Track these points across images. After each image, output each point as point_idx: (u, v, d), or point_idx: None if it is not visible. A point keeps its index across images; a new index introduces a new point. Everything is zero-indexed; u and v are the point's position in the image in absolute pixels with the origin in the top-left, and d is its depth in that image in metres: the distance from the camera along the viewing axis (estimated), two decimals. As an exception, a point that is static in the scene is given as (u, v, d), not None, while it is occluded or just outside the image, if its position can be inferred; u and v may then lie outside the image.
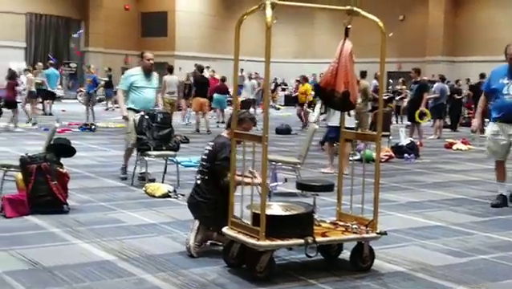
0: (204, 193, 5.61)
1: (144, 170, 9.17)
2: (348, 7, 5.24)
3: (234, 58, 5.26)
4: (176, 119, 17.59)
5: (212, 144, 5.69)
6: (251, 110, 19.90)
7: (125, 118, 9.07)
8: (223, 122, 21.56)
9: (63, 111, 24.27)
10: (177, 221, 6.88)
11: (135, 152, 9.20)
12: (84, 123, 17.95)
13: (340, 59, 5.17)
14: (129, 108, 9.20)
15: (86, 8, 37.01)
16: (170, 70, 18.51)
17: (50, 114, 22.34)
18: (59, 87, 27.11)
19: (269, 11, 4.70)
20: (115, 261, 5.37)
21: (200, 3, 38.51)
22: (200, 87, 18.53)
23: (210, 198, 5.53)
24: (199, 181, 5.71)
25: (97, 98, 21.56)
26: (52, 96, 23.40)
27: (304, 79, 21.47)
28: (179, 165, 9.47)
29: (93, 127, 17.48)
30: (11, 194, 7.04)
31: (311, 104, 20.69)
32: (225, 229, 5.16)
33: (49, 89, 22.91)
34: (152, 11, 38.09)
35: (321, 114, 12.74)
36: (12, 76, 17.53)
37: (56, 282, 4.75)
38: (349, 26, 5.30)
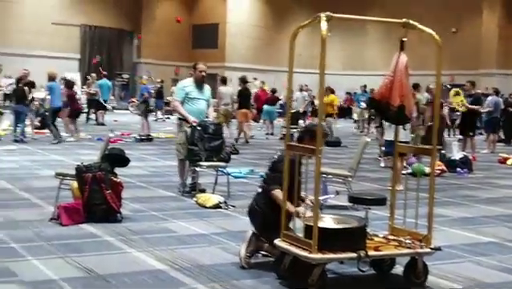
0: (261, 202, 5.63)
1: (194, 181, 9.24)
2: (404, 20, 5.21)
3: (289, 70, 5.27)
4: (231, 130, 17.68)
5: (279, 154, 5.68)
6: (300, 122, 19.84)
7: (193, 123, 8.95)
8: (272, 134, 21.60)
9: (115, 121, 24.68)
10: (228, 231, 6.92)
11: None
12: (140, 134, 18.07)
13: (396, 71, 5.14)
14: (182, 119, 9.27)
15: (139, 20, 37.67)
16: (224, 81, 18.60)
17: (103, 124, 22.74)
18: (111, 97, 27.62)
19: (324, 24, 4.71)
20: (167, 270, 5.43)
21: (250, 15, 38.76)
22: (244, 98, 18.59)
23: (266, 208, 5.53)
24: (260, 190, 5.76)
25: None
26: (103, 106, 23.82)
27: (329, 91, 21.16)
28: (229, 176, 9.51)
29: (149, 137, 17.70)
30: (67, 203, 7.18)
31: (370, 117, 20.48)
32: (277, 242, 5.16)
33: (101, 100, 23.34)
34: (204, 23, 38.50)
35: (376, 127, 12.65)
36: (71, 86, 18.06)
37: (111, 290, 4.84)
38: (405, 39, 5.26)
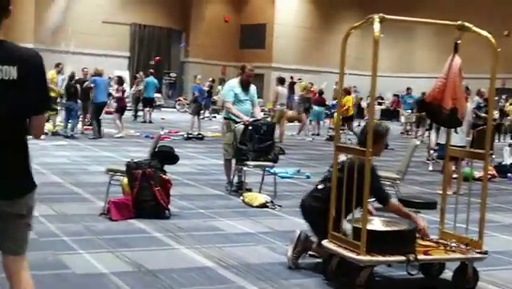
0: (321, 200, 5.45)
1: (241, 180, 9.29)
2: (459, 22, 5.14)
3: (340, 71, 5.27)
4: (281, 130, 17.63)
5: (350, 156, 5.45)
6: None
7: (246, 122, 9.02)
8: (318, 134, 21.56)
9: (163, 119, 24.95)
10: (275, 231, 6.94)
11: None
12: (188, 132, 18.24)
13: (449, 74, 5.08)
14: (228, 119, 9.33)
15: (188, 19, 38.00)
16: (281, 81, 18.56)
17: (150, 122, 23.02)
18: (158, 95, 27.88)
19: (377, 26, 4.69)
20: (215, 268, 5.48)
21: (298, 16, 38.69)
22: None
23: (326, 207, 5.32)
24: (320, 186, 5.58)
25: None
26: (151, 103, 24.07)
27: (345, 92, 20.90)
28: (276, 176, 9.53)
29: (199, 136, 17.92)
30: (117, 198, 7.31)
31: (420, 120, 20.15)
32: (325, 242, 5.16)
33: (146, 96, 23.62)
34: (252, 23, 38.61)
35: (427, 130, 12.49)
36: (122, 83, 18.45)
37: (159, 286, 4.91)
38: (459, 42, 5.20)
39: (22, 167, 3.16)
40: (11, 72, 2.98)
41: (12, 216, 3.15)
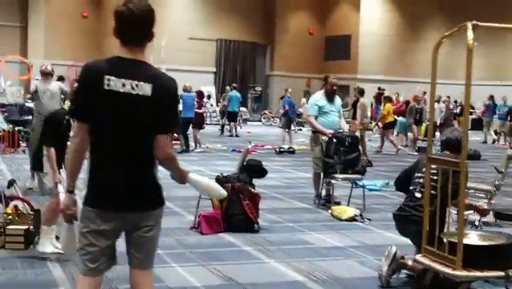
0: (421, 209, 5.26)
1: (329, 193, 9.22)
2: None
3: (431, 81, 5.15)
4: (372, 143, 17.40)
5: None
6: (437, 134, 19.23)
7: (329, 134, 8.98)
8: (406, 146, 21.11)
9: (249, 133, 25.17)
10: (365, 245, 6.84)
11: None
12: (280, 146, 18.09)
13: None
14: (316, 132, 9.29)
15: (272, 33, 38.26)
16: (362, 92, 18.37)
17: (237, 136, 23.27)
18: (243, 109, 28.19)
19: (470, 33, 4.56)
20: (305, 282, 5.45)
21: (383, 25, 38.20)
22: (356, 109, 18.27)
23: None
24: (418, 195, 5.37)
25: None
26: (235, 117, 24.31)
27: (388, 100, 20.22)
28: (364, 189, 9.41)
29: (291, 150, 17.73)
30: (207, 212, 7.41)
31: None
32: (418, 257, 5.03)
33: (230, 110, 23.86)
34: (336, 34, 38.45)
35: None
36: (202, 96, 18.75)
37: (251, 299, 4.93)
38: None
39: (153, 181, 3.34)
40: (146, 89, 3.22)
41: (142, 229, 3.33)
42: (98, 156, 3.29)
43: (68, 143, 5.58)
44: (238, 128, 24.38)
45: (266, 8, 37.90)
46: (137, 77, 3.22)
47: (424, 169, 5.24)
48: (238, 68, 37.23)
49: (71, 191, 3.40)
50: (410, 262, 5.38)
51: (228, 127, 24.43)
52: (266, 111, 34.16)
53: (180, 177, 3.53)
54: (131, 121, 3.23)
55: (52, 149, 6.02)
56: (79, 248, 3.37)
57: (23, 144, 15.38)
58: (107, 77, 3.20)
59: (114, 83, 3.20)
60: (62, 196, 5.08)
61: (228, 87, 26.76)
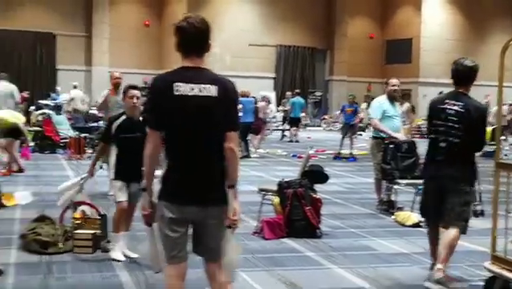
0: None
1: (392, 198, 9.10)
2: None
3: (498, 84, 5.03)
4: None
5: None
6: (502, 137, 18.73)
7: (397, 138, 8.83)
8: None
9: (309, 138, 25.11)
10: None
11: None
12: (337, 152, 17.70)
13: None
14: (378, 138, 9.18)
15: (331, 38, 38.08)
16: (405, 97, 18.07)
17: (297, 141, 23.22)
18: (303, 114, 28.06)
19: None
20: (370, 288, 5.39)
21: (445, 28, 37.50)
22: None
23: None
24: None
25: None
26: (297, 123, 24.25)
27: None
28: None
29: (351, 157, 17.18)
30: (269, 217, 7.42)
31: None
32: (486, 264, 4.91)
33: (292, 116, 23.79)
34: (397, 38, 37.98)
35: None
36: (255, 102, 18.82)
37: (315, 305, 4.90)
38: None
39: (220, 178, 3.63)
40: (212, 90, 3.56)
41: (210, 224, 3.63)
42: (171, 155, 3.64)
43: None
44: (299, 133, 24.30)
45: (326, 13, 37.77)
46: (203, 81, 3.57)
47: None
48: (298, 74, 37.19)
49: (146, 191, 3.73)
50: None
51: (288, 133, 24.41)
52: (326, 116, 34.00)
53: (231, 187, 3.67)
54: (200, 121, 3.55)
55: (102, 144, 6.24)
56: (160, 239, 3.70)
57: (89, 151, 15.77)
58: (175, 84, 3.55)
59: (183, 89, 3.54)
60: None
61: (289, 93, 26.74)
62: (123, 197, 6.09)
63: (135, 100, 6.16)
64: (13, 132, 12.01)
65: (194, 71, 3.60)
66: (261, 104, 19.97)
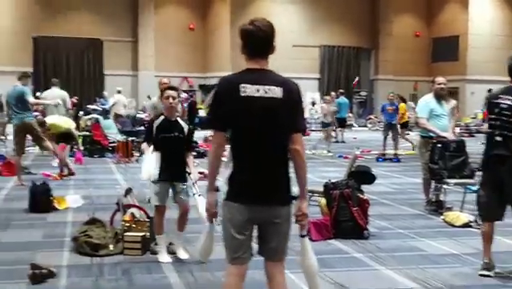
0: None
1: (440, 198, 8.98)
2: None
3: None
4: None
5: None
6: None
7: (445, 138, 8.72)
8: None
9: (355, 138, 24.95)
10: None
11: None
12: (381, 153, 17.40)
13: None
14: (425, 137, 9.07)
15: (376, 37, 37.80)
16: (449, 94, 17.66)
17: (343, 142, 23.11)
18: (350, 114, 28.01)
19: None
20: (419, 290, 5.34)
21: (494, 24, 36.82)
22: None
23: None
24: None
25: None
26: (343, 123, 24.12)
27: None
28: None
29: (395, 158, 16.73)
30: (316, 218, 7.41)
31: None
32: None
33: (338, 116, 23.63)
34: (444, 36, 37.45)
35: None
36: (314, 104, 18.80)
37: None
38: None
39: (286, 178, 3.71)
40: (277, 92, 3.64)
41: (276, 223, 3.69)
42: (237, 155, 3.69)
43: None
44: (344, 133, 24.16)
45: (370, 13, 37.52)
46: (268, 82, 3.65)
47: None
48: (342, 74, 37.04)
49: (213, 190, 3.79)
50: None
51: (334, 133, 24.29)
52: (372, 116, 33.74)
53: (302, 189, 3.79)
54: (266, 122, 3.62)
55: (144, 144, 6.34)
56: (223, 240, 3.76)
57: (136, 154, 16.00)
58: (242, 85, 3.63)
59: (249, 90, 3.62)
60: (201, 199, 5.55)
61: (334, 93, 26.63)
62: (158, 202, 6.19)
63: (171, 100, 6.24)
64: (65, 137, 12.30)
65: (260, 72, 3.68)
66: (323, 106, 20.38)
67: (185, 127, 6.31)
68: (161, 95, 6.39)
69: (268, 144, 3.64)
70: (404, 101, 20.34)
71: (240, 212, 3.66)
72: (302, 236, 3.94)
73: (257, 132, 3.63)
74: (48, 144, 11.58)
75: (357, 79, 35.68)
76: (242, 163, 3.67)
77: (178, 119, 6.34)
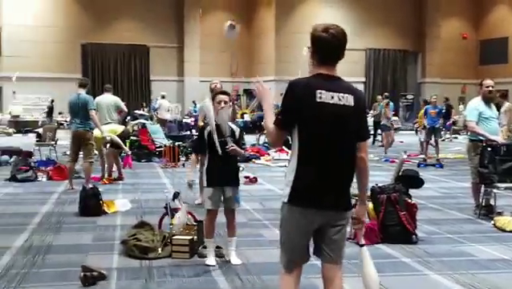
0: None
1: (490, 203, 8.82)
2: None
3: None
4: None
5: None
6: None
7: (495, 141, 8.63)
8: None
9: (401, 142, 24.68)
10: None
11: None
12: (423, 158, 16.92)
13: None
14: (474, 141, 8.93)
15: (422, 40, 37.39)
16: (504, 96, 17.17)
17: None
18: (395, 118, 27.65)
19: None
20: (469, 295, 5.26)
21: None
22: None
23: None
24: None
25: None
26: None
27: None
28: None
29: (438, 164, 16.02)
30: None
31: None
32: None
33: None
34: (492, 38, 36.80)
35: None
36: None
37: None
38: None
39: (350, 184, 3.78)
40: (350, 100, 3.71)
41: (336, 227, 3.75)
42: (304, 160, 3.68)
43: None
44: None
45: (416, 15, 37.15)
46: (341, 90, 3.71)
47: None
48: (389, 77, 36.74)
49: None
50: None
51: (379, 137, 24.06)
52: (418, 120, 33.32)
53: (363, 195, 3.94)
54: (337, 129, 3.66)
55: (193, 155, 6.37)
56: (282, 243, 3.81)
57: (183, 159, 16.17)
58: (318, 91, 3.66)
59: (325, 96, 3.66)
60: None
61: (379, 97, 26.41)
62: (211, 206, 6.22)
63: (223, 105, 6.28)
64: (117, 142, 12.52)
65: (332, 79, 3.73)
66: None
67: (237, 130, 6.36)
68: (213, 99, 6.42)
69: (337, 150, 3.68)
70: (450, 106, 19.89)
71: (304, 216, 3.69)
72: (361, 245, 4.02)
73: (327, 138, 3.66)
74: (91, 158, 11.53)
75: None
76: (309, 168, 3.67)
77: (229, 123, 6.38)
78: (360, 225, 3.94)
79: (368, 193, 4.10)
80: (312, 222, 3.71)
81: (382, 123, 19.67)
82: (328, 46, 3.71)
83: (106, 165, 12.69)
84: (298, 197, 3.68)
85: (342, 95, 3.67)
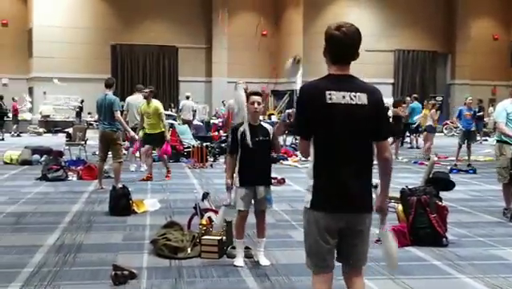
0: None
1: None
2: None
3: None
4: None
5: None
6: None
7: None
8: None
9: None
10: None
11: None
12: (455, 163, 16.06)
13: None
14: (501, 142, 8.85)
15: (453, 41, 37.03)
16: None
17: (418, 147, 22.71)
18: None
19: None
20: (501, 299, 5.20)
21: None
22: None
23: None
24: None
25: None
26: (417, 129, 23.65)
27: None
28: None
29: (470, 169, 15.20)
30: (393, 225, 7.30)
31: None
32: None
33: (411, 121, 23.17)
34: (524, 38, 36.36)
35: None
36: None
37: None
38: None
39: (369, 186, 3.71)
40: (363, 98, 3.63)
41: (358, 230, 3.70)
42: (321, 162, 3.65)
43: None
44: (419, 139, 23.73)
45: (446, 16, 36.80)
46: (353, 89, 3.63)
47: None
48: (417, 78, 36.45)
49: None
50: None
51: (408, 139, 23.90)
52: (448, 122, 33.02)
53: (383, 193, 3.84)
54: (351, 129, 3.60)
55: (228, 157, 6.37)
56: (307, 248, 3.76)
57: (210, 159, 16.22)
58: (328, 92, 3.60)
59: (335, 97, 3.60)
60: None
61: (408, 98, 26.21)
62: (242, 207, 6.22)
63: (256, 106, 6.27)
64: (153, 140, 12.79)
65: (344, 79, 3.66)
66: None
67: (270, 129, 6.36)
68: (246, 100, 6.43)
69: (352, 151, 3.62)
70: (482, 108, 19.61)
71: (327, 220, 3.64)
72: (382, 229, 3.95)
73: (341, 138, 3.60)
74: (120, 158, 11.63)
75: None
76: (326, 170, 3.63)
77: (261, 122, 6.40)
78: (382, 213, 3.88)
79: (397, 194, 4.02)
80: (336, 226, 3.65)
81: (427, 124, 19.15)
82: (340, 44, 3.62)
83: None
84: (318, 201, 3.64)
85: (354, 94, 3.60)
